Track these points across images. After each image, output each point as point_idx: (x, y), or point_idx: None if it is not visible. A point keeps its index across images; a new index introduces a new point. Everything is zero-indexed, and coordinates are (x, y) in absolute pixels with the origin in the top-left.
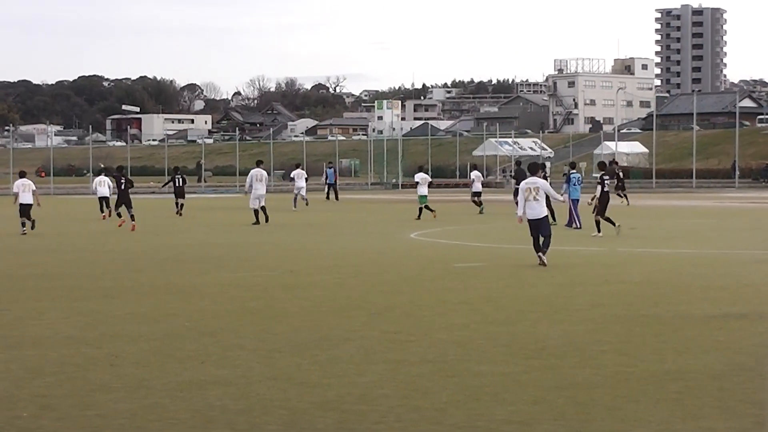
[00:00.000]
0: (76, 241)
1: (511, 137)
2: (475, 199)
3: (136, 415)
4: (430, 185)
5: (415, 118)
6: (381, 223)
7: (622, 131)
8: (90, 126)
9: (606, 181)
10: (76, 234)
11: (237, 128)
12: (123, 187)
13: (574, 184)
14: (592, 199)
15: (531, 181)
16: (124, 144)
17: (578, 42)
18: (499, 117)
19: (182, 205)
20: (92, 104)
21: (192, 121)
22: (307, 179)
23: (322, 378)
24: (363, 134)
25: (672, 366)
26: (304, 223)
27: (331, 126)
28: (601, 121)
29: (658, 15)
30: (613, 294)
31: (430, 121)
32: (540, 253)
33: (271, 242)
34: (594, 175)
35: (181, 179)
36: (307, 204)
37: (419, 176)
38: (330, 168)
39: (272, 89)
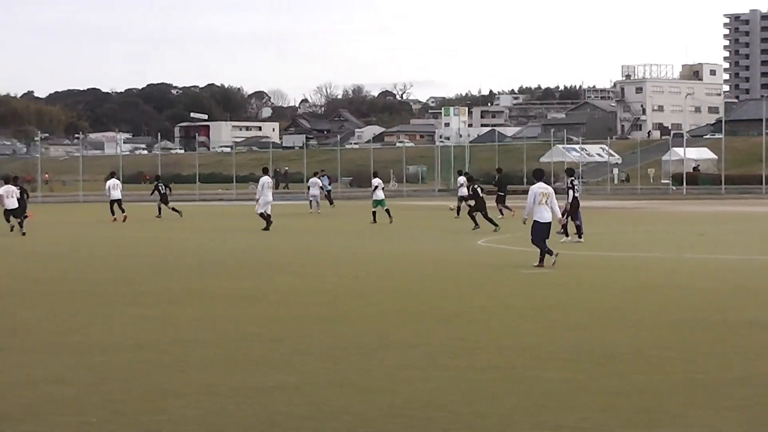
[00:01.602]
0: (140, 246)
1: (578, 143)
2: (461, 204)
3: (205, 421)
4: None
5: (482, 125)
6: (448, 229)
7: (705, 137)
8: (158, 133)
9: (576, 187)
10: (141, 239)
11: (306, 135)
12: (20, 196)
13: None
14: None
15: (543, 187)
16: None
17: (646, 47)
18: (567, 123)
19: (173, 209)
20: (161, 112)
21: (260, 128)
22: (322, 187)
23: (389, 384)
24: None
25: (740, 373)
26: (370, 229)
27: (399, 133)
28: (669, 127)
29: (727, 20)
30: (681, 300)
31: (497, 128)
32: (553, 254)
33: (335, 248)
34: (664, 181)
35: (163, 186)
36: (318, 212)
37: (376, 181)
38: (323, 176)
39: (339, 96)
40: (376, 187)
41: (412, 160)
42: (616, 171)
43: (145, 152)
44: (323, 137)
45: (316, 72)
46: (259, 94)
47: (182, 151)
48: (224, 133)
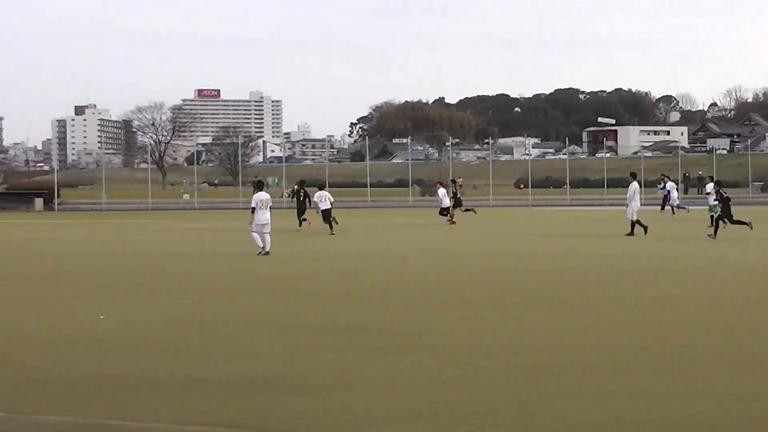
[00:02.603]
0: (522, 252)
1: None
2: None
3: (603, 426)
4: None
5: None
6: None
7: None
8: (566, 138)
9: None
10: (516, 246)
11: (731, 141)
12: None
13: None
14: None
15: None
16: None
17: None
18: None
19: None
20: (568, 117)
21: (668, 132)
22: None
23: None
24: None
25: None
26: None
27: None
28: None
29: None
30: None
31: None
32: None
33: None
34: None
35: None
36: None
37: (710, 187)
38: (664, 180)
39: (749, 100)
40: (710, 192)
41: None
42: None
43: (554, 156)
44: (733, 141)
45: (726, 75)
46: (667, 98)
47: (587, 156)
48: (632, 138)
